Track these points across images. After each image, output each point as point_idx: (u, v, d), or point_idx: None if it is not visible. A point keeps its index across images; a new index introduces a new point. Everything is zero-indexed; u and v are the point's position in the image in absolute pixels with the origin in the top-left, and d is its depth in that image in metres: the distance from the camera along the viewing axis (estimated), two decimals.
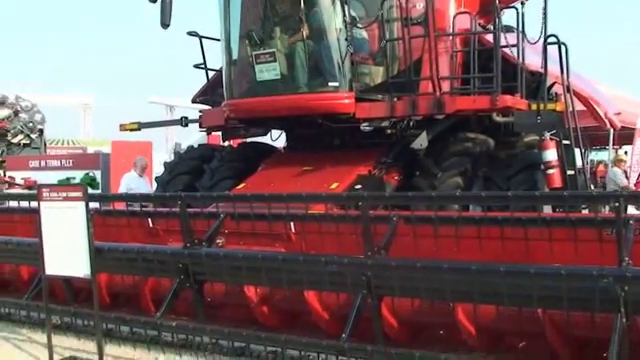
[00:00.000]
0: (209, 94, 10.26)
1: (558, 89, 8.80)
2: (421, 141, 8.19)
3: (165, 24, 9.29)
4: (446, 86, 8.37)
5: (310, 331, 5.77)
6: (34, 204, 6.83)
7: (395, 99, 8.26)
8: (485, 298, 4.79)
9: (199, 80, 10.47)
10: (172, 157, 12.89)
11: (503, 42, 8.16)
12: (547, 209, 6.73)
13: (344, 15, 8.13)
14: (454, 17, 8.51)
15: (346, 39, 8.11)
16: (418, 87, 8.29)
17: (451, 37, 8.59)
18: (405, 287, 5.00)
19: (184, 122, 11.05)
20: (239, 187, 8.67)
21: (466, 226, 5.25)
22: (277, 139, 10.54)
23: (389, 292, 5.16)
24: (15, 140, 20.05)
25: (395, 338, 5.46)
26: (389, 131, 8.60)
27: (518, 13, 8.38)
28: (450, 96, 8.25)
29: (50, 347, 6.36)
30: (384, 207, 5.92)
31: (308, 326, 5.99)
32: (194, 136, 20.60)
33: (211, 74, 10.13)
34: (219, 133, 11.09)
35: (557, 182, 7.77)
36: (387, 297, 5.26)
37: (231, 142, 11.38)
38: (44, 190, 6.23)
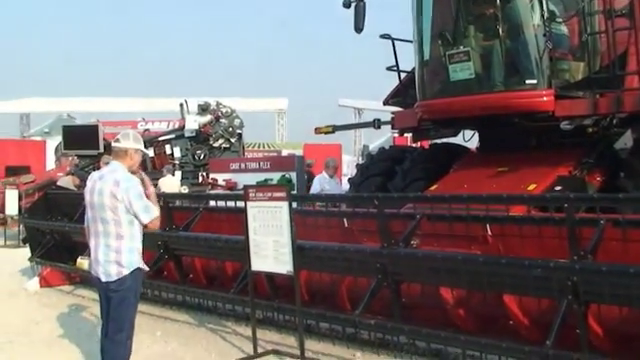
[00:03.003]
0: (401, 96, 10.31)
1: None
2: (626, 140, 7.79)
3: (359, 28, 9.46)
4: None
5: (507, 336, 5.61)
6: (238, 204, 7.25)
7: (598, 96, 7.85)
8: None
9: (386, 82, 10.60)
10: (361, 159, 13.11)
11: None
12: None
13: (542, 10, 7.85)
14: None
15: (544, 34, 7.82)
16: (623, 82, 7.82)
17: None
18: (616, 294, 4.74)
19: (377, 124, 11.18)
20: (432, 188, 8.65)
21: None
22: (469, 140, 10.36)
23: (597, 299, 4.92)
24: (216, 144, 21.12)
25: (600, 347, 5.18)
26: (590, 129, 8.19)
27: None
28: None
29: (254, 340, 6.71)
30: (586, 209, 5.64)
31: (505, 331, 5.83)
32: (382, 138, 20.86)
33: (402, 76, 10.18)
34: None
35: None
36: (593, 304, 5.02)
37: (419, 143, 11.38)
38: (250, 191, 6.60)
